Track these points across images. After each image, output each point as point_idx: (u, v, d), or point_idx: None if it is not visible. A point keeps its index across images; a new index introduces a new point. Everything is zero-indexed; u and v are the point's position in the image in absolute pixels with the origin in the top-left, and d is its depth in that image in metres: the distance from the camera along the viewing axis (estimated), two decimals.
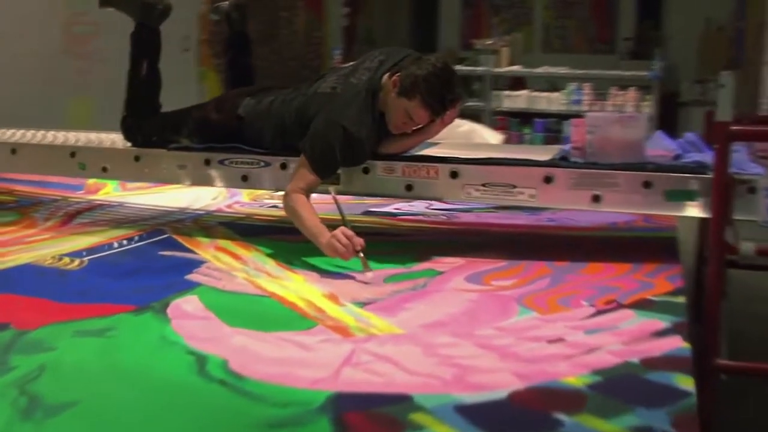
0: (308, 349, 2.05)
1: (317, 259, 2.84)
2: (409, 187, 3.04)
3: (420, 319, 2.28)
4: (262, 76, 8.39)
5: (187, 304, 2.42)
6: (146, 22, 3.41)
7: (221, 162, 3.23)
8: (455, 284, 2.65)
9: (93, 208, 3.89)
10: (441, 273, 2.80)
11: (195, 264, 2.87)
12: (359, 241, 2.65)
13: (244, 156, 3.19)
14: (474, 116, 6.90)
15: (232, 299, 2.49)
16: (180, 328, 2.21)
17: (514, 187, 2.92)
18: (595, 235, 3.45)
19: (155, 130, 3.33)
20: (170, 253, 3.05)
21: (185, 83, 7.37)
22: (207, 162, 3.24)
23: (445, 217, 3.82)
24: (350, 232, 2.66)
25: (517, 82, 7.60)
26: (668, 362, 1.91)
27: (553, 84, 7.36)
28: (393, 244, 3.25)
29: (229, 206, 4.01)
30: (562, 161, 2.94)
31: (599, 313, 2.32)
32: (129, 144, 3.42)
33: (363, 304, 2.44)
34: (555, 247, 3.18)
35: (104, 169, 3.40)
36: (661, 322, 2.20)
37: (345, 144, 2.85)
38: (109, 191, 4.30)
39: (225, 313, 2.33)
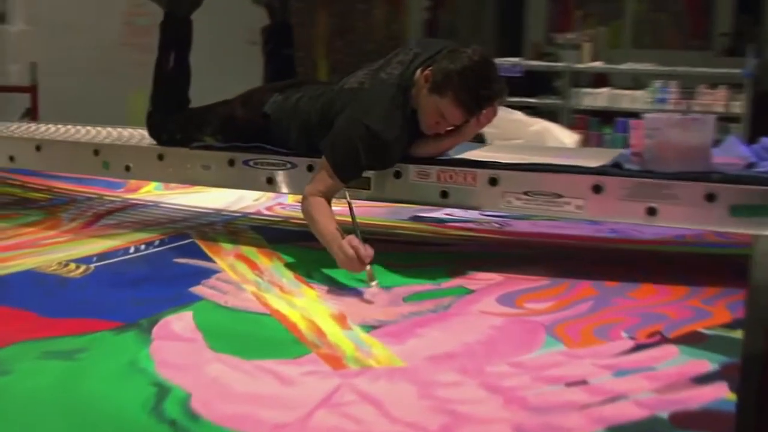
0: (287, 383, 1.80)
1: (339, 271, 2.59)
2: (444, 194, 2.76)
3: (428, 349, 2.01)
4: (334, 71, 8.24)
5: (178, 321, 2.21)
6: (175, 11, 3.21)
7: (246, 163, 3.01)
8: (483, 306, 2.36)
9: (126, 207, 3.74)
10: (471, 292, 2.51)
11: (206, 274, 2.66)
12: (367, 253, 2.38)
13: (269, 156, 2.96)
14: (551, 115, 6.55)
15: (229, 317, 2.27)
16: (157, 351, 1.99)
17: (560, 196, 2.61)
18: (658, 249, 3.11)
19: (180, 127, 3.13)
20: (185, 260, 2.85)
21: (251, 78, 7.24)
22: (231, 162, 3.03)
23: (497, 225, 3.53)
24: (357, 242, 2.39)
25: (600, 79, 7.18)
26: (704, 419, 1.58)
27: (639, 81, 6.92)
28: (430, 256, 3.00)
29: (269, 208, 3.81)
30: (613, 168, 2.61)
31: (638, 348, 2.00)
32: (154, 142, 3.22)
33: (371, 328, 2.18)
34: (609, 264, 2.86)
35: (127, 168, 3.21)
36: (708, 363, 1.87)
37: (369, 145, 2.59)
38: (151, 189, 4.16)
39: (214, 335, 2.11)
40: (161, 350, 2.01)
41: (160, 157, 3.15)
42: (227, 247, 3.04)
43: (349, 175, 2.65)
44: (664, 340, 2.05)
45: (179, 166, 3.13)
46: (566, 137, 5.46)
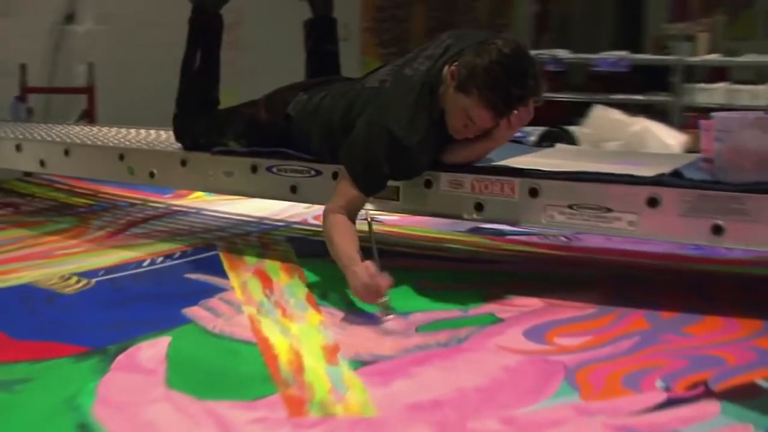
0: None
1: None
2: (479, 207, 2.47)
3: (413, 395, 1.73)
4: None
5: (149, 349, 2.01)
6: (203, 5, 3.03)
7: (269, 169, 2.80)
8: (504, 340, 2.07)
9: (165, 215, 3.60)
10: (500, 321, 2.22)
11: (210, 293, 2.47)
12: (384, 283, 2.12)
13: (292, 163, 2.74)
14: (661, 113, 6.08)
15: (208, 346, 2.05)
16: (106, 385, 1.80)
17: (609, 210, 2.28)
18: (744, 272, 2.72)
19: (203, 130, 2.95)
20: (196, 276, 2.67)
21: (345, 74, 7.04)
22: (254, 169, 2.82)
23: (565, 239, 3.20)
24: (374, 270, 2.13)
25: (717, 74, 6.64)
26: None
27: (763, 75, 6.34)
28: (473, 275, 2.73)
29: (316, 217, 3.58)
30: (672, 178, 2.25)
31: (669, 403, 1.67)
32: (180, 146, 3.05)
33: (361, 364, 1.92)
34: (678, 288, 2.51)
35: (151, 175, 3.05)
36: (751, 429, 1.52)
37: (390, 152, 2.33)
38: (201, 195, 4.02)
39: (179, 367, 1.91)
40: (111, 384, 1.81)
41: (183, 163, 2.98)
42: (250, 261, 2.84)
43: (372, 186, 2.40)
44: (707, 393, 1.70)
45: (202, 172, 2.95)
46: (670, 138, 5.01)
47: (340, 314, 2.28)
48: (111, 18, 5.31)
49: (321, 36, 3.30)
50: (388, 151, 2.33)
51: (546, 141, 5.48)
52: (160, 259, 2.87)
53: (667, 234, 2.25)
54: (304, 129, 2.69)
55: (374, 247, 2.25)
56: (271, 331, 2.15)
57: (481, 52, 2.24)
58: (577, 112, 5.56)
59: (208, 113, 2.98)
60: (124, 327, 2.17)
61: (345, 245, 2.27)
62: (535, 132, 5.78)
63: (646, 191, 2.23)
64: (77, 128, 3.96)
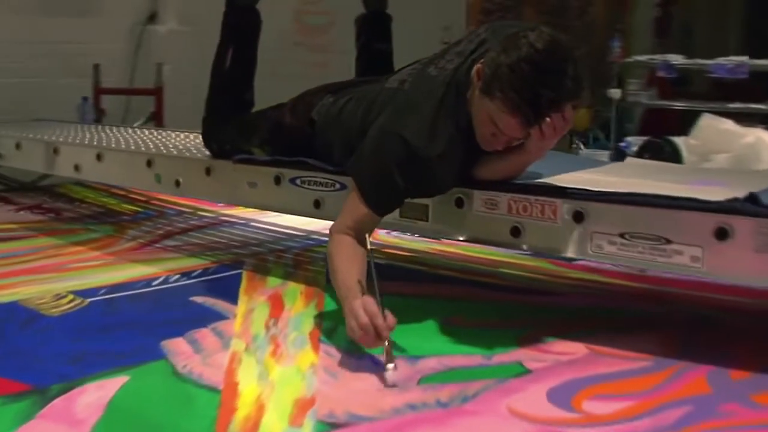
0: None
1: None
2: (515, 232, 2.04)
3: None
4: None
5: (94, 393, 1.69)
6: (236, 1, 2.70)
7: (292, 181, 2.45)
8: (520, 402, 1.64)
9: (209, 226, 3.31)
10: (526, 373, 1.80)
11: (206, 320, 2.15)
12: (386, 325, 1.73)
13: (316, 174, 2.37)
14: None
15: (164, 391, 1.72)
16: None
17: (668, 241, 1.82)
18: None
19: (230, 136, 2.62)
20: (203, 299, 2.35)
21: None
22: (277, 180, 2.48)
23: (640, 269, 2.70)
24: (374, 309, 1.74)
25: None
26: None
27: None
28: (519, 309, 2.31)
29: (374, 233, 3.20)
30: (746, 204, 1.77)
31: None
32: (207, 153, 2.73)
33: (330, 427, 1.53)
34: (763, 337, 2.02)
35: (177, 184, 2.74)
36: None
37: (407, 164, 1.94)
38: None
39: (113, 420, 1.58)
40: None
41: (208, 172, 2.66)
42: (273, 282, 2.50)
43: (384, 204, 2.01)
44: None
45: (226, 182, 2.62)
46: None
47: (339, 356, 1.90)
48: (195, 18, 5.07)
49: (373, 33, 2.93)
50: (402, 163, 1.93)
51: (646, 152, 4.97)
52: (176, 277, 2.56)
53: (737, 273, 1.78)
54: (327, 136, 2.33)
55: (375, 282, 1.86)
56: (247, 374, 1.79)
57: (509, 47, 1.81)
58: (694, 122, 4.99)
59: (236, 117, 2.64)
60: (87, 360, 1.86)
61: (346, 274, 1.89)
62: (637, 142, 5.25)
63: (714, 220, 1.76)
64: (136, 131, 3.71)
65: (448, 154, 1.96)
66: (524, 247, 2.05)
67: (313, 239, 3.12)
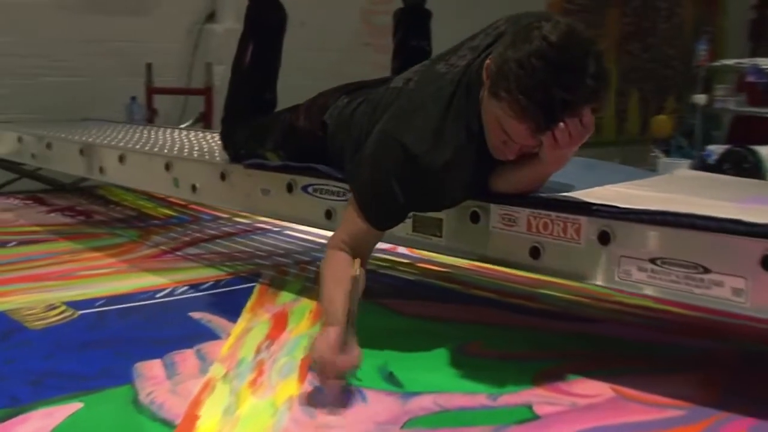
0: None
1: (373, 358, 1.75)
2: (535, 252, 1.78)
3: None
4: (625, 80, 7.07)
5: (37, 422, 1.52)
6: None
7: (305, 189, 2.23)
8: None
9: (241, 233, 3.13)
10: (532, 419, 1.54)
11: (195, 340, 1.96)
12: (342, 363, 1.50)
13: (328, 183, 2.15)
14: None
15: (113, 424, 1.52)
16: None
17: (706, 270, 1.53)
18: None
19: (244, 138, 2.42)
20: (202, 315, 2.17)
21: None
22: (290, 188, 2.26)
23: None
24: (333, 342, 1.52)
25: None
26: None
27: None
28: (550, 339, 2.04)
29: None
30: None
31: None
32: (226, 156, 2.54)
33: None
34: None
35: (193, 188, 2.56)
36: None
37: (407, 174, 1.70)
38: None
39: None
40: None
41: (222, 177, 2.47)
42: (285, 298, 2.31)
43: (383, 219, 1.78)
44: None
45: (240, 188, 2.43)
46: None
47: (323, 390, 1.66)
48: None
49: (410, 29, 2.69)
50: (401, 173, 1.70)
51: (726, 162, 4.59)
52: (183, 289, 2.38)
53: None
54: (338, 141, 2.10)
55: (354, 309, 1.62)
56: (213, 407, 1.58)
57: (518, 39, 1.55)
58: None
59: (253, 119, 2.44)
60: (45, 383, 1.69)
61: (329, 296, 1.66)
62: (719, 151, 4.86)
63: (761, 246, 1.47)
64: (181, 132, 3.56)
65: (457, 163, 1.71)
66: (544, 270, 1.78)
67: None
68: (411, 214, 1.96)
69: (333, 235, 1.83)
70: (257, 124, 2.41)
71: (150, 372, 1.75)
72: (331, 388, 1.56)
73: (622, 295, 2.39)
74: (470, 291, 2.47)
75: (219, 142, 2.96)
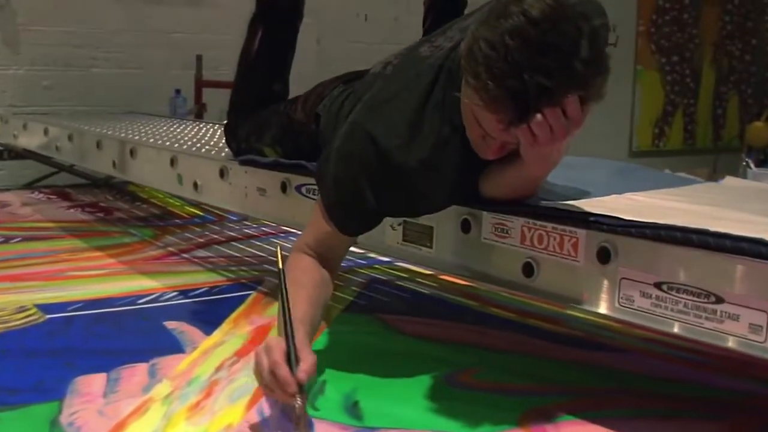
0: None
1: (339, 383, 1.58)
2: (528, 270, 1.54)
3: None
4: (722, 82, 6.63)
5: None
6: None
7: (298, 189, 2.04)
8: None
9: (264, 235, 2.97)
10: None
11: (154, 353, 1.80)
12: (290, 378, 1.30)
13: None
14: None
15: None
16: None
17: (719, 300, 1.27)
18: None
19: (245, 133, 2.25)
20: (177, 325, 2.00)
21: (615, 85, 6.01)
22: (284, 187, 2.07)
23: None
24: (276, 355, 1.32)
25: None
26: None
27: None
28: (554, 369, 1.79)
29: None
30: None
31: None
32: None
33: None
34: None
35: (195, 186, 2.40)
36: None
37: (379, 173, 1.49)
38: None
39: None
40: None
41: (222, 174, 2.29)
42: (276, 309, 2.09)
43: (350, 224, 1.58)
44: None
45: (239, 187, 2.25)
46: None
47: (275, 417, 1.47)
48: (319, 8, 4.76)
49: (440, 16, 2.46)
50: (371, 170, 1.49)
51: None
52: (172, 294, 2.22)
53: None
54: (327, 135, 1.90)
55: (287, 315, 1.41)
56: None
57: (494, 15, 1.31)
58: None
59: (256, 112, 2.26)
60: None
61: (293, 299, 1.46)
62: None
63: None
64: (213, 126, 3.42)
65: (436, 162, 1.49)
66: (537, 290, 1.54)
67: (367, 258, 2.69)
68: (401, 220, 1.75)
69: (299, 238, 1.63)
70: (258, 118, 2.23)
71: (87, 388, 1.58)
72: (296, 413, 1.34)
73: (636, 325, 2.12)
74: (489, 310, 2.23)
75: None
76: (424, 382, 1.66)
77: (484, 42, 1.28)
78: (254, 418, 1.47)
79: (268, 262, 2.60)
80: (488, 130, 1.35)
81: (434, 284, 2.47)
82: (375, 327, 2.02)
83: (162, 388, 1.59)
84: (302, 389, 1.31)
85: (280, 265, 1.46)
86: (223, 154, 2.40)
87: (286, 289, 1.42)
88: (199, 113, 4.20)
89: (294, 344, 1.35)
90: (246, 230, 3.04)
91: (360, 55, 4.86)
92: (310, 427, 1.37)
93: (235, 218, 3.21)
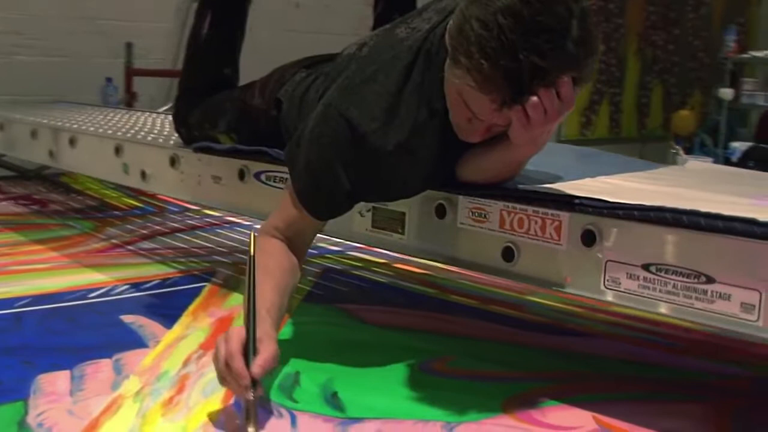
0: None
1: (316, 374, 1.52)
2: (508, 254, 1.52)
3: None
4: (647, 72, 6.76)
5: None
6: None
7: (257, 176, 1.99)
8: None
9: (209, 226, 2.91)
10: None
11: (116, 348, 1.73)
12: (245, 371, 1.26)
13: (282, 169, 1.91)
14: None
15: None
16: None
17: (710, 280, 1.27)
18: None
19: (198, 119, 2.18)
20: (135, 319, 1.92)
21: None
22: (241, 174, 2.02)
23: None
24: (234, 345, 1.28)
25: None
26: None
27: None
28: (526, 355, 1.79)
29: None
30: None
31: None
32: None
33: None
34: None
35: (143, 175, 2.32)
36: None
37: (354, 156, 1.46)
38: None
39: None
40: None
41: (172, 162, 2.22)
42: (236, 300, 2.07)
43: (322, 208, 1.54)
44: None
45: (191, 175, 2.18)
46: None
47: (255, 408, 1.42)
48: None
49: (390, 3, 2.44)
50: (346, 154, 1.46)
51: (751, 160, 4.32)
52: (123, 288, 2.15)
53: None
54: (290, 121, 1.86)
55: (251, 304, 1.37)
56: (112, 431, 1.33)
57: None
58: None
59: (207, 97, 2.20)
60: None
61: (259, 284, 1.41)
62: (742, 149, 4.59)
63: None
64: (151, 116, 3.32)
65: (414, 146, 1.47)
66: (518, 275, 1.53)
67: (317, 248, 2.65)
68: (370, 206, 1.72)
69: (267, 221, 1.59)
70: (211, 104, 2.17)
71: (51, 386, 1.51)
72: (246, 408, 1.30)
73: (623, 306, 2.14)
74: (449, 297, 2.22)
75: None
76: (399, 371, 1.64)
77: (476, 21, 1.25)
78: (232, 413, 1.42)
79: (217, 253, 2.55)
80: (478, 112, 1.33)
81: (390, 273, 2.44)
82: (337, 317, 1.99)
83: (131, 385, 1.53)
84: (256, 383, 1.27)
85: (252, 252, 1.41)
86: (171, 141, 2.32)
87: (254, 277, 1.38)
88: (129, 102, 4.08)
89: (254, 335, 1.31)
90: (189, 221, 2.97)
91: (291, 44, 4.79)
92: (297, 422, 1.33)
93: (176, 209, 3.13)
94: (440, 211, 1.61)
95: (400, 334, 1.88)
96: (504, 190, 1.54)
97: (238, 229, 2.87)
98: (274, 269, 1.47)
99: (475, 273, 2.32)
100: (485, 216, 1.55)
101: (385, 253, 2.60)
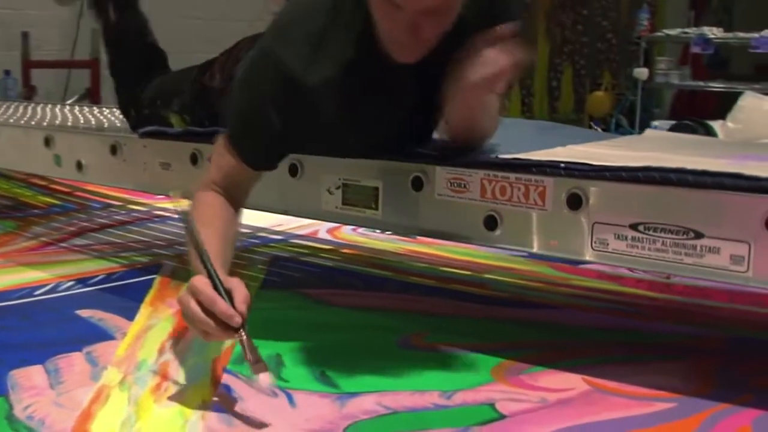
0: None
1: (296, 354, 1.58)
2: (490, 222, 1.62)
3: None
4: (556, 53, 7.00)
5: None
6: None
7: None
8: None
9: (138, 221, 2.91)
10: (496, 420, 1.38)
11: (83, 342, 1.75)
12: (230, 311, 1.31)
13: None
14: None
15: None
16: None
17: (699, 235, 1.39)
18: None
19: (148, 99, 2.21)
20: (92, 313, 1.94)
21: None
22: (194, 159, 2.05)
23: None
24: (209, 291, 1.33)
25: None
26: None
27: None
28: (503, 328, 1.89)
29: (331, 231, 2.79)
30: None
31: None
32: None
33: None
34: None
35: (79, 166, 2.33)
36: None
37: (284, 95, 1.53)
38: None
39: None
40: None
41: (113, 150, 2.24)
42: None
43: (254, 153, 1.60)
44: None
45: (135, 163, 2.20)
46: None
47: (245, 391, 1.48)
48: None
49: None
50: (277, 93, 1.53)
51: None
52: (69, 284, 2.15)
53: None
54: None
55: (199, 249, 1.41)
56: (108, 419, 1.38)
57: None
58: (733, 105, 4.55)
59: (147, 80, 2.23)
60: None
61: (205, 236, 1.44)
62: (665, 126, 4.82)
63: (766, 204, 1.33)
64: (64, 109, 3.30)
65: (344, 83, 1.53)
66: (502, 242, 1.62)
67: (259, 237, 2.70)
68: (340, 180, 1.79)
69: (204, 175, 1.65)
70: (167, 80, 2.21)
71: (29, 381, 1.53)
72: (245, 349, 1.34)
73: (582, 279, 2.27)
74: (408, 278, 2.30)
75: (109, 117, 2.76)
76: (379, 348, 1.72)
77: None
78: (225, 395, 1.47)
79: (156, 246, 2.57)
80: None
81: (338, 257, 2.51)
82: (301, 302, 2.05)
83: (111, 375, 1.56)
84: (243, 321, 1.33)
85: (174, 207, 1.46)
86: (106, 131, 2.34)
87: (195, 227, 1.42)
88: (28, 96, 4.02)
89: (220, 279, 1.36)
90: (116, 216, 2.97)
91: (196, 32, 4.81)
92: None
93: (99, 206, 3.13)
94: (416, 184, 1.69)
95: (369, 315, 1.95)
96: (484, 159, 1.62)
97: (171, 222, 2.89)
98: (214, 220, 1.52)
99: (432, 254, 2.44)
100: (465, 186, 1.63)
101: (331, 240, 2.68)
